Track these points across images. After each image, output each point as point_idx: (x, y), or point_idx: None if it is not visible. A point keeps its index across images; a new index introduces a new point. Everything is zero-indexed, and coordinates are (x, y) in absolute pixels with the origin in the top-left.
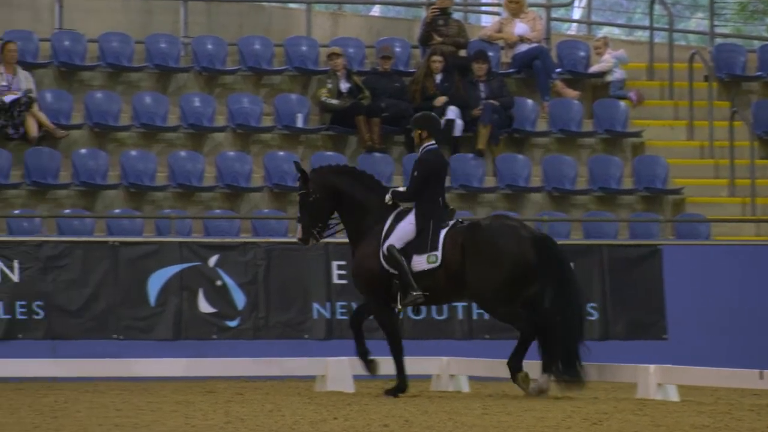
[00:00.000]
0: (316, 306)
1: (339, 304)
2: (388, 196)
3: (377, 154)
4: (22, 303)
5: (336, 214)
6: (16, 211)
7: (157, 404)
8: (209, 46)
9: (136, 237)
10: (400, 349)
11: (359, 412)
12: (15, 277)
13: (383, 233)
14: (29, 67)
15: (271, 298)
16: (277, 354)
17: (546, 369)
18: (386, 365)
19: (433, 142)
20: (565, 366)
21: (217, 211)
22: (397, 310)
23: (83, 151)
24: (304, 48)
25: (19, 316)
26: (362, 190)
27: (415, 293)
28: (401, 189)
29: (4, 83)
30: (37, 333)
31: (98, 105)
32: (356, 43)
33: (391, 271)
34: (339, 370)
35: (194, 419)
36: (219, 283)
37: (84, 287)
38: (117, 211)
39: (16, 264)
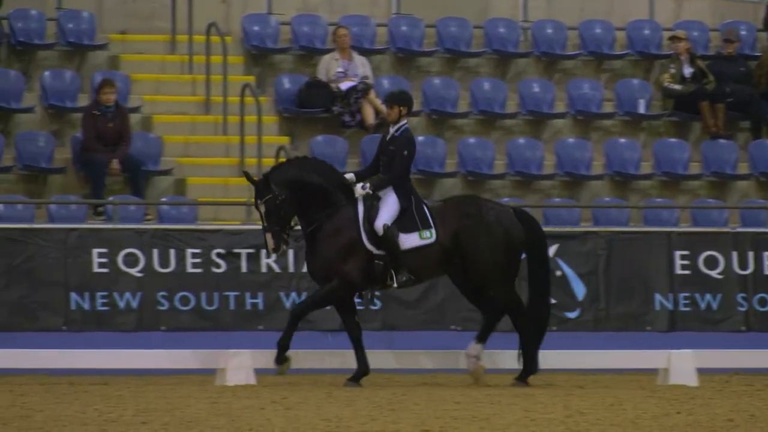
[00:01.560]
0: (658, 297)
1: (682, 295)
2: (365, 188)
3: (722, 141)
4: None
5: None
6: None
7: (495, 396)
8: (549, 31)
9: None
10: (359, 335)
11: (703, 406)
12: None
13: (360, 216)
14: (366, 53)
15: (611, 289)
16: (617, 346)
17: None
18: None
19: (406, 120)
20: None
21: (557, 199)
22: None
23: (421, 138)
24: (646, 32)
25: (359, 307)
26: (325, 178)
27: (408, 272)
28: (381, 176)
29: (340, 70)
30: (374, 324)
31: (436, 91)
32: (700, 26)
33: (376, 252)
34: (682, 363)
35: (534, 412)
36: (558, 273)
37: None
38: None
39: None
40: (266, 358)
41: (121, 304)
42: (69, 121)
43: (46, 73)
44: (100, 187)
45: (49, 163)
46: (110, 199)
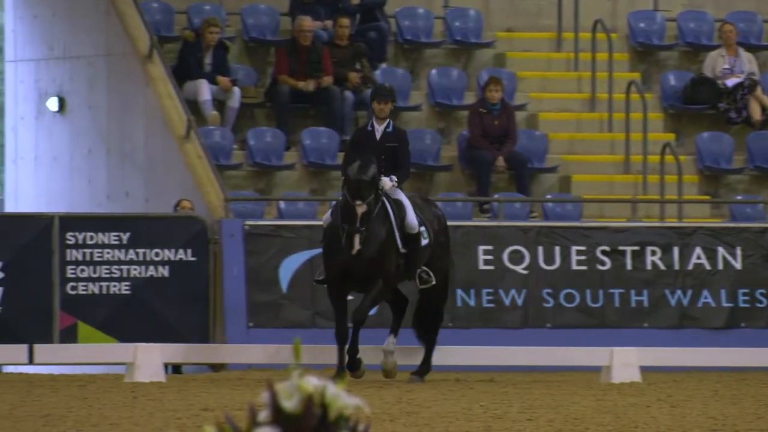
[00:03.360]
0: None
1: None
2: (392, 180)
3: None
4: (745, 291)
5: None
6: (739, 197)
7: None
8: None
9: None
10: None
11: None
12: (737, 265)
13: (391, 214)
14: (752, 49)
15: None
16: None
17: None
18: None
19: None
20: None
21: None
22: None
23: None
24: None
25: (741, 305)
26: None
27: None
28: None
29: (726, 66)
30: (759, 322)
31: None
32: None
33: (402, 250)
34: None
35: None
36: None
37: None
38: None
39: (738, 251)
40: (652, 355)
41: (506, 302)
42: (455, 119)
43: (433, 72)
44: (486, 184)
45: (436, 161)
46: (495, 196)
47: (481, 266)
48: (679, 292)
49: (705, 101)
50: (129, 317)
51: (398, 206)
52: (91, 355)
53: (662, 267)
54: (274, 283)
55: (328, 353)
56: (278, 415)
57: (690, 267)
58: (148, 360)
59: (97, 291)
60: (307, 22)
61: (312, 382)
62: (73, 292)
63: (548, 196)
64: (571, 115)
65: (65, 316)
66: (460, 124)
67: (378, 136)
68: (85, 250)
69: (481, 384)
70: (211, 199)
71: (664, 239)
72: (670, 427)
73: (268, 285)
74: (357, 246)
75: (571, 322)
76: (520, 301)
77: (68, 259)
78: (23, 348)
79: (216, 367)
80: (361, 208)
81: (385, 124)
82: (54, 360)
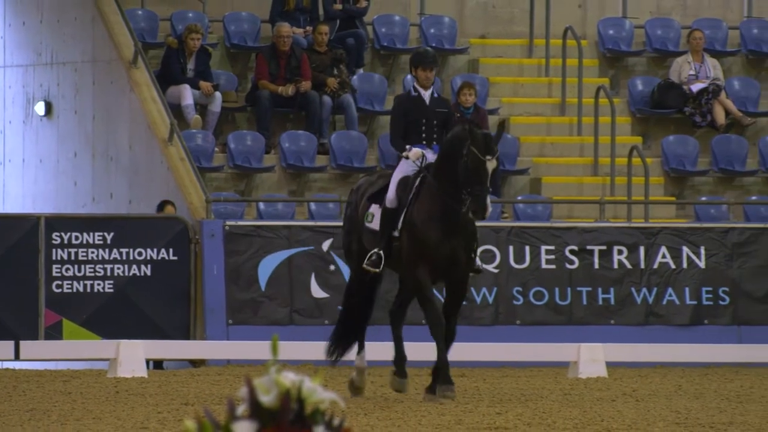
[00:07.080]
0: None
1: None
2: None
3: None
4: (708, 289)
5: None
6: (704, 198)
7: None
8: None
9: None
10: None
11: None
12: (701, 264)
13: None
14: (717, 55)
15: None
16: None
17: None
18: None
19: None
20: None
21: None
22: None
23: None
24: None
25: (704, 302)
26: None
27: None
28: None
29: (691, 72)
30: (722, 319)
31: None
32: None
33: None
34: None
35: None
36: None
37: None
38: None
39: (702, 250)
40: (618, 351)
41: (478, 299)
42: None
43: (408, 77)
44: None
45: None
46: None
47: None
48: (644, 290)
49: (671, 106)
50: (112, 315)
51: None
52: (75, 351)
53: (629, 266)
54: (253, 282)
55: (306, 350)
56: (256, 409)
57: (655, 266)
58: (131, 356)
59: (81, 289)
60: (286, 28)
61: (289, 378)
62: (59, 291)
63: (519, 198)
64: (542, 119)
65: (50, 313)
66: None
67: (427, 101)
68: (70, 250)
69: (453, 379)
70: (192, 200)
71: (631, 239)
72: (635, 420)
73: (248, 283)
74: (489, 207)
75: (540, 319)
76: (491, 299)
77: (54, 258)
78: (9, 344)
79: (196, 363)
80: (491, 164)
81: (430, 90)
82: (39, 356)
